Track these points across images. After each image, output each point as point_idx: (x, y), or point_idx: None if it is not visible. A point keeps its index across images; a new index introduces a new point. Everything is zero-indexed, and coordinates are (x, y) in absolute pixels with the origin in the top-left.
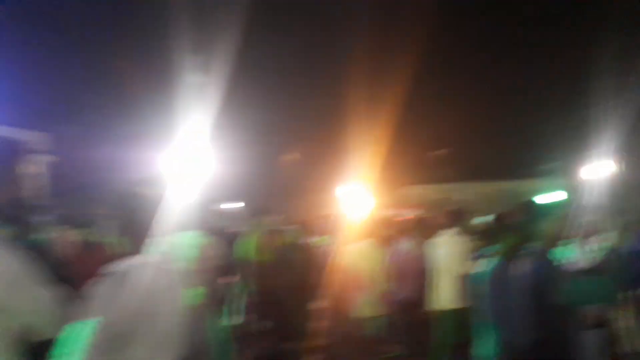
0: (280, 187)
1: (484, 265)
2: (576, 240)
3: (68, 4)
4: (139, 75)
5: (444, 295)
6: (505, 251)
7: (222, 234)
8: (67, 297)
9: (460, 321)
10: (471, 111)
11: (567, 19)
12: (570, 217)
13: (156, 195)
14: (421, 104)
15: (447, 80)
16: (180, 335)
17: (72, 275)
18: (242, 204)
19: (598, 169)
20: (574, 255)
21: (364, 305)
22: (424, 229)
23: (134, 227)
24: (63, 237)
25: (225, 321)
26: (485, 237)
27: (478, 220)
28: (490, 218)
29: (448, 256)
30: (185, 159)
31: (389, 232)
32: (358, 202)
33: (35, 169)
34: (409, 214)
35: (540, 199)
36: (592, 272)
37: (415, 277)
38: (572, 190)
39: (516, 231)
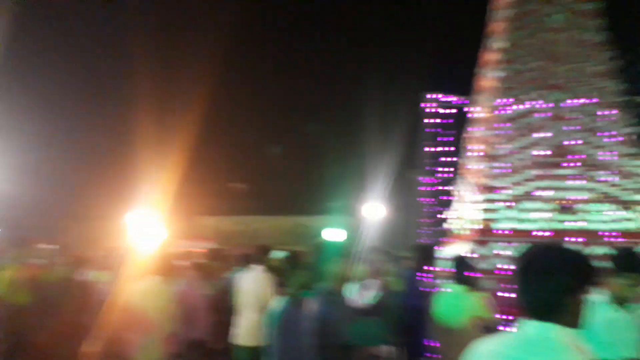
0: (56, 211)
1: (277, 303)
2: (358, 280)
3: None
4: None
5: (244, 331)
6: (295, 290)
7: None
8: None
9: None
10: (264, 151)
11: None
12: (353, 257)
13: None
14: (218, 137)
15: (244, 121)
16: None
17: None
18: None
19: (373, 211)
20: (356, 295)
21: (145, 348)
22: (220, 262)
23: None
24: None
25: None
26: (279, 274)
27: (274, 256)
28: (283, 254)
29: (251, 292)
30: None
31: (179, 267)
32: (148, 231)
33: None
34: (203, 247)
35: (328, 236)
36: (369, 312)
37: (205, 315)
38: (353, 229)
39: (307, 270)
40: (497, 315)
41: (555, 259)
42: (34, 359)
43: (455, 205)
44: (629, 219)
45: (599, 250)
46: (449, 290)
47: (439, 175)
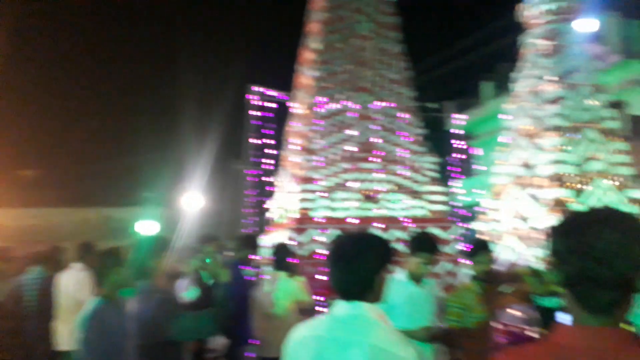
0: None
1: (89, 305)
2: (184, 274)
3: None
4: None
5: (68, 336)
6: (111, 289)
7: None
8: None
9: None
10: (64, 132)
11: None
12: (176, 250)
13: None
14: (3, 115)
15: (38, 96)
16: None
17: None
18: None
19: (193, 202)
20: (183, 289)
21: None
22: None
23: None
24: None
25: None
26: (96, 272)
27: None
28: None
29: (70, 293)
30: None
31: None
32: None
33: None
34: None
35: (141, 229)
36: (196, 306)
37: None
38: (170, 221)
39: (124, 267)
40: (315, 299)
41: (362, 244)
42: None
43: (276, 196)
44: (419, 207)
45: (397, 234)
46: (270, 277)
47: (262, 166)
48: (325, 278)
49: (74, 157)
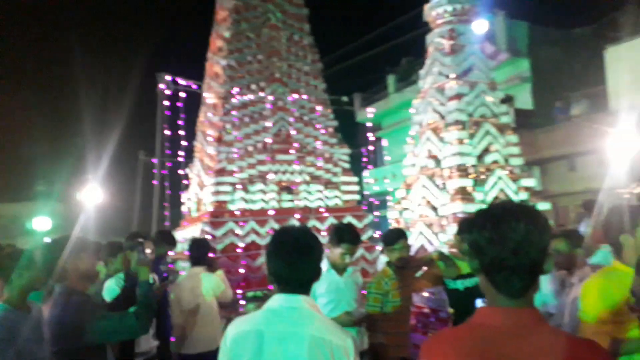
0: None
1: None
2: (108, 273)
3: None
4: None
5: None
6: (17, 294)
7: None
8: None
9: None
10: None
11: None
12: (87, 249)
13: None
14: None
15: None
16: None
17: None
18: None
19: (93, 195)
20: (108, 289)
21: None
22: None
23: None
24: None
25: None
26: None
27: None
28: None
29: None
30: None
31: None
32: None
33: None
34: None
35: (37, 225)
36: (116, 306)
37: None
38: (69, 215)
39: (30, 269)
40: (234, 292)
41: (310, 237)
42: None
43: (190, 189)
44: (334, 197)
45: (315, 224)
46: (187, 272)
47: (176, 158)
48: (242, 271)
49: None
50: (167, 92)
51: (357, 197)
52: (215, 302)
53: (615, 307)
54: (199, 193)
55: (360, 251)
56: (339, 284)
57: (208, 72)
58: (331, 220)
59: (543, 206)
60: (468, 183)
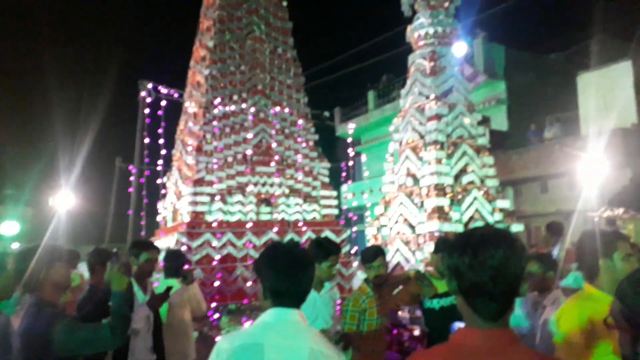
0: None
1: None
2: (82, 283)
3: None
4: None
5: None
6: None
7: None
8: None
9: None
10: None
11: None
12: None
13: None
14: None
15: None
16: None
17: None
18: None
19: (65, 201)
20: (82, 301)
21: None
22: None
23: None
24: None
25: None
26: None
27: None
28: None
29: None
30: None
31: None
32: None
33: None
34: None
35: (7, 231)
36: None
37: None
38: (39, 221)
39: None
40: (208, 305)
41: (304, 251)
42: None
43: (167, 198)
44: (312, 210)
45: (293, 237)
46: (161, 284)
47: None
48: (217, 284)
49: None
50: (148, 99)
51: (335, 211)
52: (189, 315)
53: (590, 331)
54: (175, 202)
55: (337, 266)
56: (315, 301)
57: (190, 81)
58: (309, 234)
59: (517, 227)
60: (445, 202)
